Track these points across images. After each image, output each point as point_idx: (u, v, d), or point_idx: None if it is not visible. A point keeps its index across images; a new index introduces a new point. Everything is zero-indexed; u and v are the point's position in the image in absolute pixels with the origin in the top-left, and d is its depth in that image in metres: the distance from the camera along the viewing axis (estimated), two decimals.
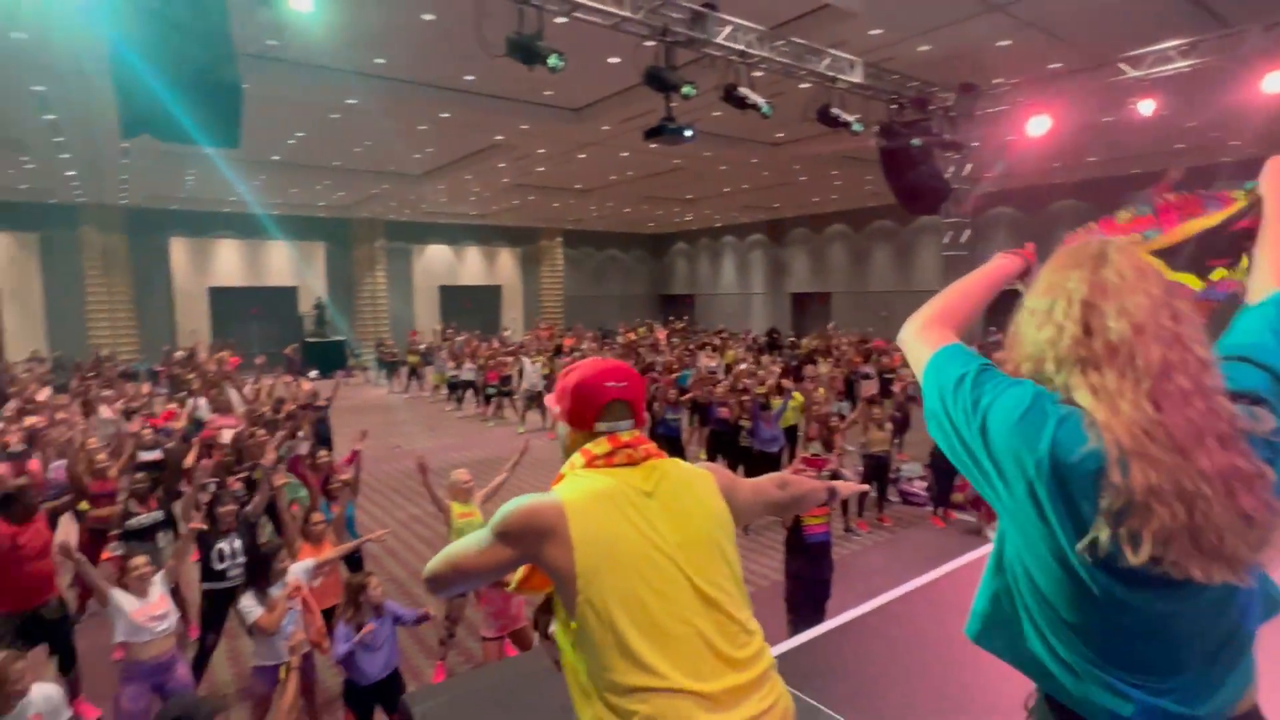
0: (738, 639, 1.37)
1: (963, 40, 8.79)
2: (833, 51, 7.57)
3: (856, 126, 7.43)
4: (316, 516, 4.68)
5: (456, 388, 15.94)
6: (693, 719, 1.26)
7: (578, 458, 1.51)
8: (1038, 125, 8.40)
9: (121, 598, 3.77)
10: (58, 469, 6.91)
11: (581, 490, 1.42)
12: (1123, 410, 0.94)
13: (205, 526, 4.58)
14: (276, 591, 3.85)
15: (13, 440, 7.52)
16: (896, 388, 11.42)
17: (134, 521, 5.29)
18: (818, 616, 4.58)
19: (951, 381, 1.15)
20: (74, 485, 5.84)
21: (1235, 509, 0.89)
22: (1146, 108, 7.97)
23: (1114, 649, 1.01)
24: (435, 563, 1.50)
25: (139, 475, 5.71)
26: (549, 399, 1.66)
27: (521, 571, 1.49)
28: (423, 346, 20.23)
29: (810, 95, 7.89)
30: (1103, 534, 0.93)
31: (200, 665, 4.71)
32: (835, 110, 7.41)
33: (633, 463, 1.47)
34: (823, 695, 2.59)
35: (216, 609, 4.71)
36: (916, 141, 7.84)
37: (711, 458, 8.90)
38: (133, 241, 21.13)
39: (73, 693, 4.37)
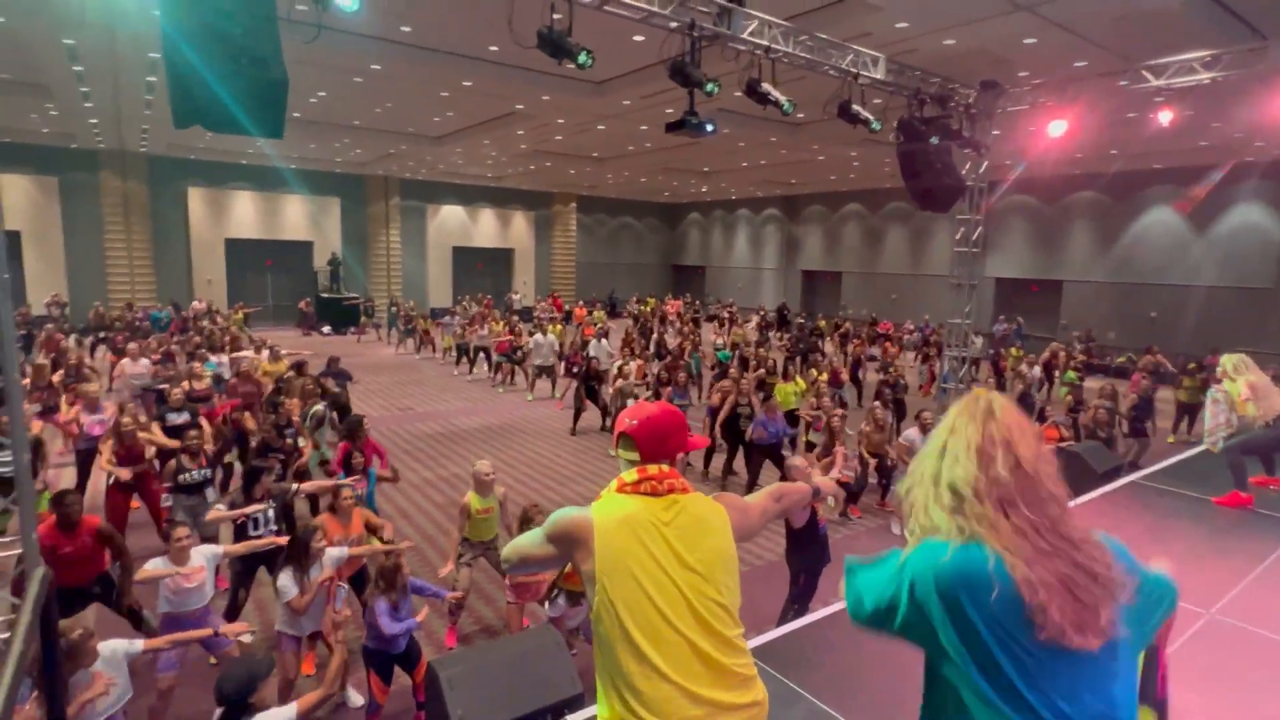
0: (726, 652, 1.66)
1: (988, 36, 8.78)
2: (856, 47, 7.62)
3: (875, 125, 7.51)
4: (346, 493, 4.94)
5: (465, 352, 16.20)
6: (679, 705, 1.58)
7: (614, 482, 1.84)
8: (1056, 128, 8.44)
9: (159, 568, 4.05)
10: (90, 424, 7.24)
11: (610, 511, 1.74)
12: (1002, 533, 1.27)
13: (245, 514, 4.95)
14: (314, 573, 4.14)
15: (45, 396, 7.80)
16: (891, 377, 11.67)
17: (185, 477, 5.60)
18: (809, 597, 4.91)
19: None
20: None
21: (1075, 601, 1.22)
22: (1165, 118, 8.00)
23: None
24: (508, 551, 1.97)
25: (192, 433, 5.99)
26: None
27: (566, 569, 1.88)
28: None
29: (832, 84, 7.94)
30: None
31: (231, 617, 5.10)
32: (856, 107, 7.49)
33: (655, 494, 1.77)
34: (804, 681, 2.89)
35: (249, 568, 5.06)
36: (935, 139, 7.91)
37: (716, 439, 9.14)
38: (152, 189, 21.31)
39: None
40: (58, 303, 18.83)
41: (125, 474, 6.18)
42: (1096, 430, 8.00)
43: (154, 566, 4.09)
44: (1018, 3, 7.63)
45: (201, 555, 4.26)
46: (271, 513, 5.11)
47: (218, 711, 2.84)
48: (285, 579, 3.98)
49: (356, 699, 4.46)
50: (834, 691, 2.79)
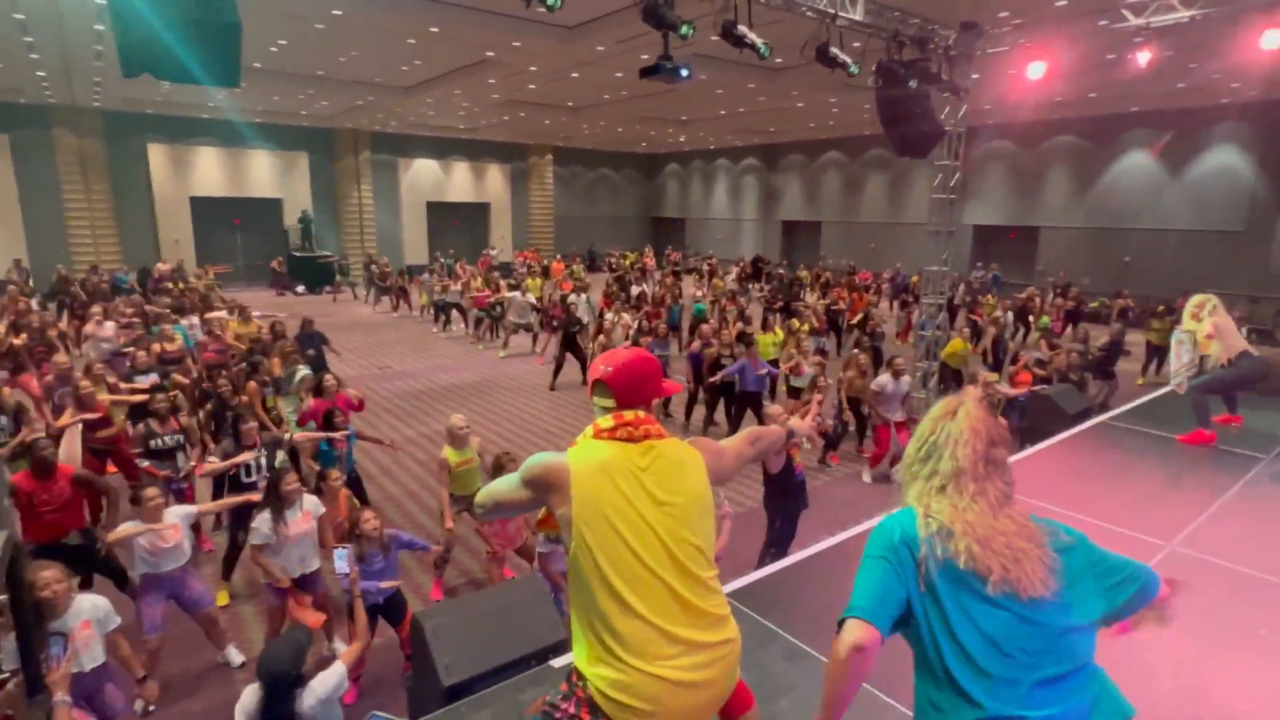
0: (700, 594, 1.69)
1: None
2: None
3: (853, 68, 7.36)
4: (333, 474, 4.94)
5: (443, 310, 16.05)
6: (655, 644, 1.61)
7: (589, 429, 1.84)
8: (1035, 70, 8.34)
9: (135, 525, 4.03)
10: (63, 396, 7.09)
11: (587, 456, 1.75)
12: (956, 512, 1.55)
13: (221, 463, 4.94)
14: (291, 514, 4.16)
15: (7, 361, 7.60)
16: (869, 326, 11.81)
17: (155, 443, 5.53)
18: (788, 542, 5.03)
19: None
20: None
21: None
22: (1143, 58, 7.93)
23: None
24: (481, 496, 1.97)
25: (159, 396, 5.87)
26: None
27: (541, 513, 1.86)
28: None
29: (810, 28, 7.75)
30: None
31: (230, 563, 5.20)
32: (834, 50, 7.32)
33: (632, 439, 1.77)
34: (783, 622, 2.97)
35: (245, 516, 5.09)
36: (913, 82, 7.77)
37: (697, 386, 9.22)
38: (109, 146, 20.48)
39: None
40: (19, 267, 18.23)
41: (82, 418, 5.96)
42: (1069, 373, 8.15)
43: (129, 526, 4.06)
44: None
45: (175, 515, 4.25)
46: (264, 460, 5.12)
47: (250, 695, 2.68)
48: (260, 521, 4.02)
49: (342, 649, 4.53)
50: (809, 627, 2.87)
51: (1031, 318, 14.06)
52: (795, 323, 11.42)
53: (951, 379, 9.95)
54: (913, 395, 8.26)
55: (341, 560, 3.40)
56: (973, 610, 1.44)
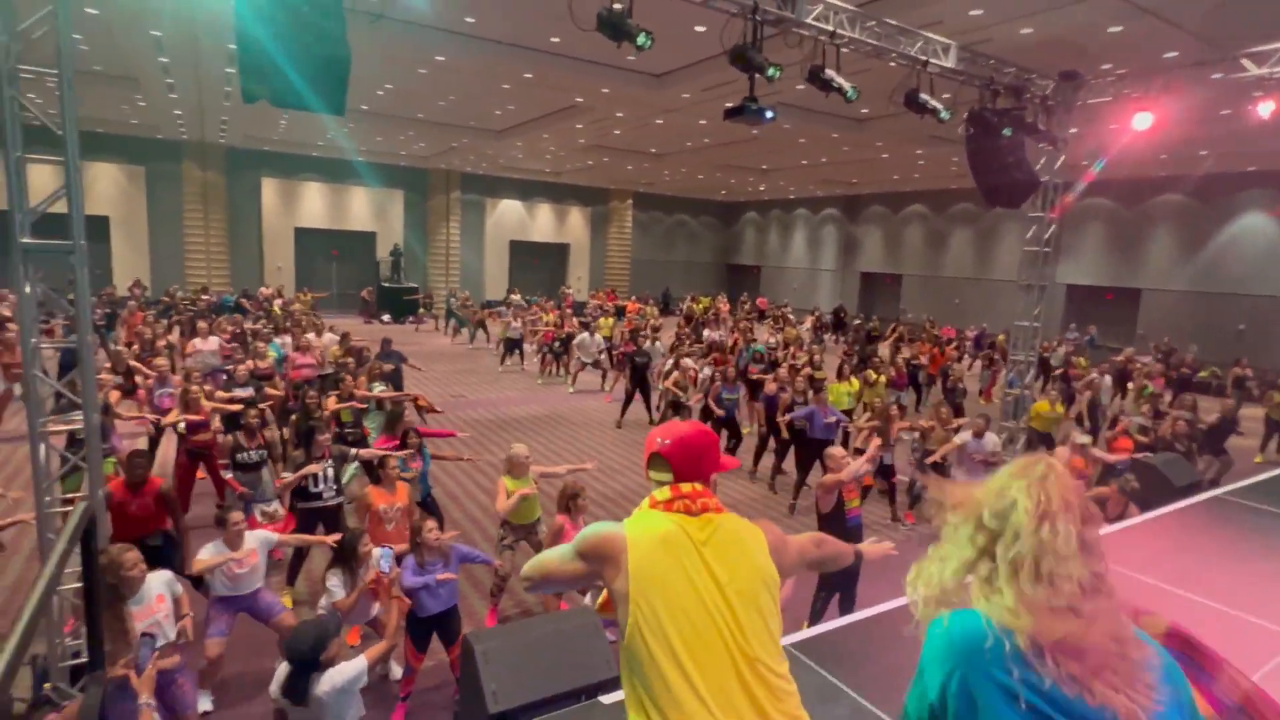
0: (769, 683, 1.53)
1: (1069, 24, 8.33)
2: (925, 34, 7.33)
3: (944, 114, 7.20)
4: (391, 462, 5.06)
5: (510, 347, 16.38)
6: None
7: (646, 501, 1.76)
8: (1141, 121, 7.94)
9: (212, 551, 4.17)
10: (160, 397, 7.60)
11: (645, 529, 1.66)
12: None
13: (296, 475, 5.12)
14: (361, 574, 4.19)
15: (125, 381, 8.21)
16: (950, 382, 11.31)
17: (242, 456, 5.79)
18: (849, 596, 4.73)
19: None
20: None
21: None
22: (1265, 110, 7.44)
23: None
24: (529, 568, 1.81)
25: (251, 410, 6.17)
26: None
27: (602, 597, 1.76)
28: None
29: (899, 76, 7.67)
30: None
31: (294, 569, 5.35)
32: (923, 96, 7.19)
33: (689, 513, 1.68)
34: (847, 677, 2.76)
35: (310, 525, 5.25)
36: (1007, 131, 7.53)
37: (767, 432, 8.97)
38: (229, 179, 22.30)
39: None
40: (139, 285, 19.91)
41: (184, 420, 6.43)
42: (1175, 443, 7.50)
43: (209, 554, 4.16)
44: None
45: (255, 539, 4.36)
46: (331, 472, 5.25)
47: (284, 668, 2.92)
48: (334, 581, 4.03)
49: (398, 670, 4.52)
50: (877, 686, 2.65)
51: (1130, 384, 13.12)
52: (872, 374, 11.04)
53: (1040, 443, 9.34)
54: (1000, 457, 7.78)
55: (384, 560, 3.41)
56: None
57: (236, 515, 4.26)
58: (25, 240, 3.54)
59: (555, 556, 1.75)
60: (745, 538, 1.69)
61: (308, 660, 2.85)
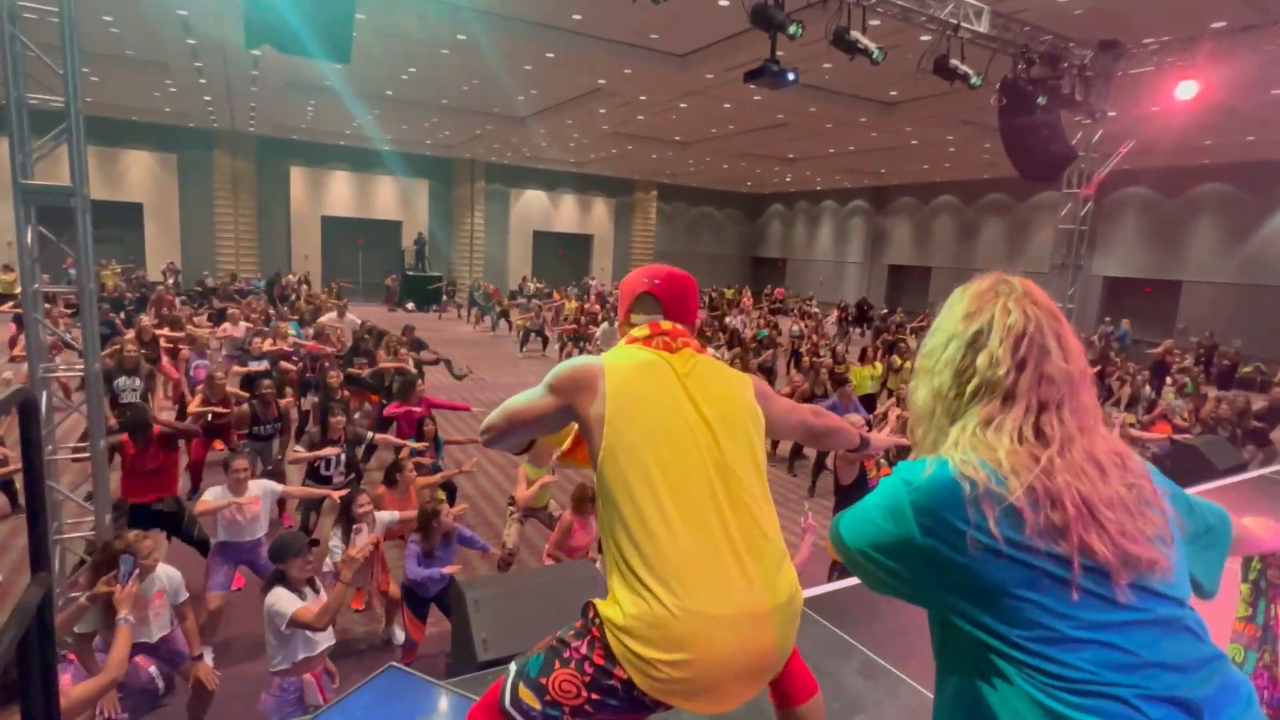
0: (754, 520, 1.39)
1: None
2: None
3: (975, 80, 6.92)
4: (408, 466, 4.94)
5: (528, 334, 16.38)
6: (696, 572, 1.30)
7: (621, 340, 1.63)
8: (1185, 90, 7.55)
9: (217, 494, 4.16)
10: (198, 367, 7.70)
11: (623, 356, 1.54)
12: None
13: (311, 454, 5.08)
14: (363, 537, 4.11)
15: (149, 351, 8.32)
16: None
17: (258, 429, 5.79)
18: None
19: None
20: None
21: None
22: None
23: None
24: (492, 416, 1.61)
25: (265, 382, 6.19)
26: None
27: (569, 442, 1.65)
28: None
29: (929, 48, 7.40)
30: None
31: None
32: (954, 62, 6.92)
33: (669, 349, 1.55)
34: (860, 634, 2.58)
35: (318, 504, 5.18)
36: (1042, 100, 7.22)
37: None
38: (258, 167, 22.61)
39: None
40: (172, 269, 20.29)
41: (211, 410, 6.47)
42: (1218, 426, 7.14)
43: (213, 496, 4.17)
44: None
45: (259, 487, 4.33)
46: (344, 455, 5.19)
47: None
48: (334, 540, 3.98)
49: (399, 635, 4.43)
50: (891, 644, 2.47)
51: (1170, 377, 12.61)
52: (898, 359, 10.75)
53: None
54: None
55: (363, 535, 3.34)
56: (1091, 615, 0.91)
57: (240, 462, 4.23)
58: (25, 182, 3.50)
59: (523, 396, 1.57)
60: (728, 375, 1.57)
61: (273, 566, 3.08)
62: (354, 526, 3.63)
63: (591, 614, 1.41)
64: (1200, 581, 1.10)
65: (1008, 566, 0.92)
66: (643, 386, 1.46)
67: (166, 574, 3.45)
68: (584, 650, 1.38)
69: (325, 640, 3.15)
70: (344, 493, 4.55)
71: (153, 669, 3.53)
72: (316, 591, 3.21)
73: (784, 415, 1.70)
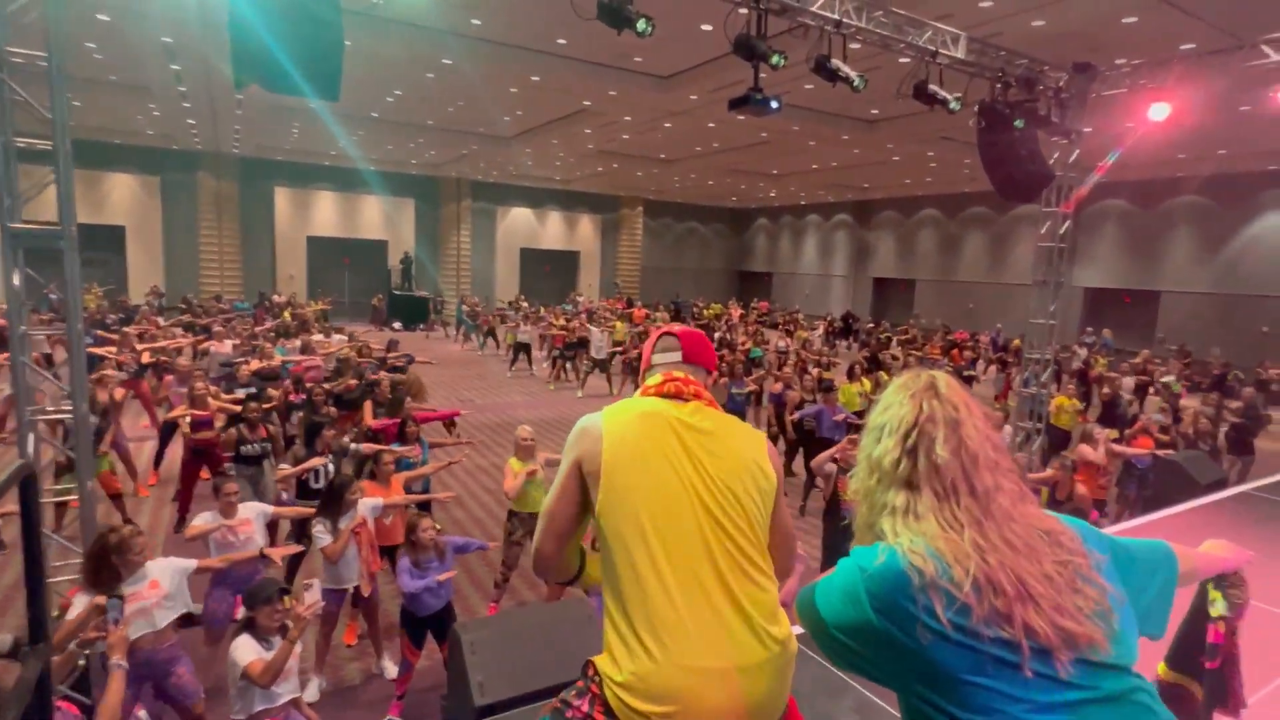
0: (746, 573, 1.41)
1: (1081, 16, 8.19)
2: (935, 24, 7.21)
3: (954, 104, 7.06)
4: (387, 457, 4.99)
5: (518, 351, 16.30)
6: (684, 628, 1.32)
7: (637, 392, 1.67)
8: (1158, 111, 7.75)
9: (207, 519, 4.14)
10: (176, 396, 7.64)
11: (624, 405, 1.57)
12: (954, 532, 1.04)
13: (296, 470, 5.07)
14: (345, 523, 4.15)
15: (128, 360, 8.30)
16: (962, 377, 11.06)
17: (246, 449, 5.76)
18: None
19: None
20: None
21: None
22: None
23: None
24: (536, 538, 1.61)
25: (251, 404, 6.16)
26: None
27: (591, 575, 1.64)
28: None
29: (908, 71, 7.54)
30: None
31: (293, 568, 5.22)
32: (933, 87, 7.06)
33: (680, 396, 1.57)
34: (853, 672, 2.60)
35: (306, 524, 5.16)
36: (1019, 123, 7.37)
37: (776, 432, 8.85)
38: (242, 188, 22.51)
39: None
40: (156, 293, 20.10)
41: (190, 414, 6.45)
42: (1198, 441, 7.26)
43: (203, 520, 4.15)
44: None
45: (250, 510, 4.31)
46: (331, 467, 5.19)
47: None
48: (319, 528, 4.03)
49: (391, 670, 4.40)
50: None
51: (1152, 389, 12.80)
52: (884, 375, 10.86)
53: (1060, 442, 9.09)
54: (1015, 456, 7.56)
55: (313, 592, 3.20)
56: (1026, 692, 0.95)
57: (231, 486, 4.23)
58: (13, 225, 3.49)
59: (550, 493, 1.57)
60: (738, 430, 1.57)
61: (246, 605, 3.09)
62: (304, 583, 3.50)
63: (591, 671, 1.45)
64: (1152, 633, 1.15)
65: (957, 652, 0.96)
66: (640, 438, 1.48)
67: (158, 565, 3.43)
68: (585, 709, 1.42)
69: (288, 692, 3.06)
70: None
71: (142, 714, 3.50)
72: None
73: (779, 501, 1.63)
